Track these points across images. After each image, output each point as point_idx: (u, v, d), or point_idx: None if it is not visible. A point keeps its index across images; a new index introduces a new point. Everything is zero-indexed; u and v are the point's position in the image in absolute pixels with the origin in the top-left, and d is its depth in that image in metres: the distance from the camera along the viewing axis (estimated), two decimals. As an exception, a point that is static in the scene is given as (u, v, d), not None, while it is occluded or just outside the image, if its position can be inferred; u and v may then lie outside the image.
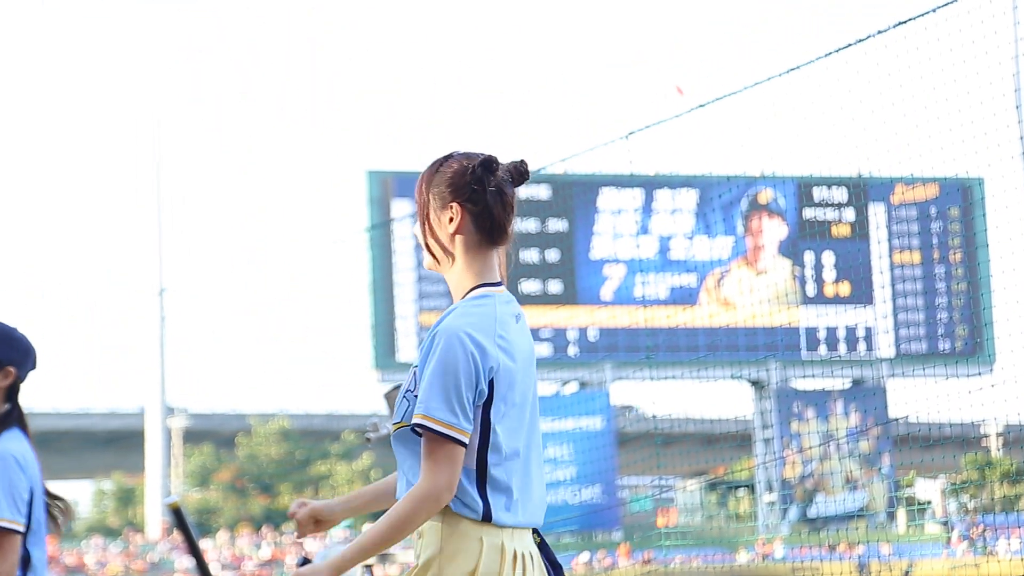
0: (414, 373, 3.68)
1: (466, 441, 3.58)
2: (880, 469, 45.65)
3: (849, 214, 46.46)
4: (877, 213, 45.51)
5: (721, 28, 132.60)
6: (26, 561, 4.83)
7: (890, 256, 46.01)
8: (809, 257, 46.39)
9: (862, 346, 46.45)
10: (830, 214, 46.41)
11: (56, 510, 4.96)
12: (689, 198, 45.48)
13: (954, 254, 45.42)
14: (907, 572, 30.71)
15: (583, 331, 44.70)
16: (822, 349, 45.92)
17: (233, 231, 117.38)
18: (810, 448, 46.14)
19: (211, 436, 66.66)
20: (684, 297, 44.88)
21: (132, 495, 70.35)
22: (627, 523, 46.17)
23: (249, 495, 65.43)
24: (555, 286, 44.49)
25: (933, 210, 45.29)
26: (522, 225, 44.08)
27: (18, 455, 4.78)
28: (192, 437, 65.88)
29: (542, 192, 44.29)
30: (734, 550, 40.99)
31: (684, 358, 38.09)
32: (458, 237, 3.78)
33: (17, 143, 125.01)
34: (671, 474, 46.11)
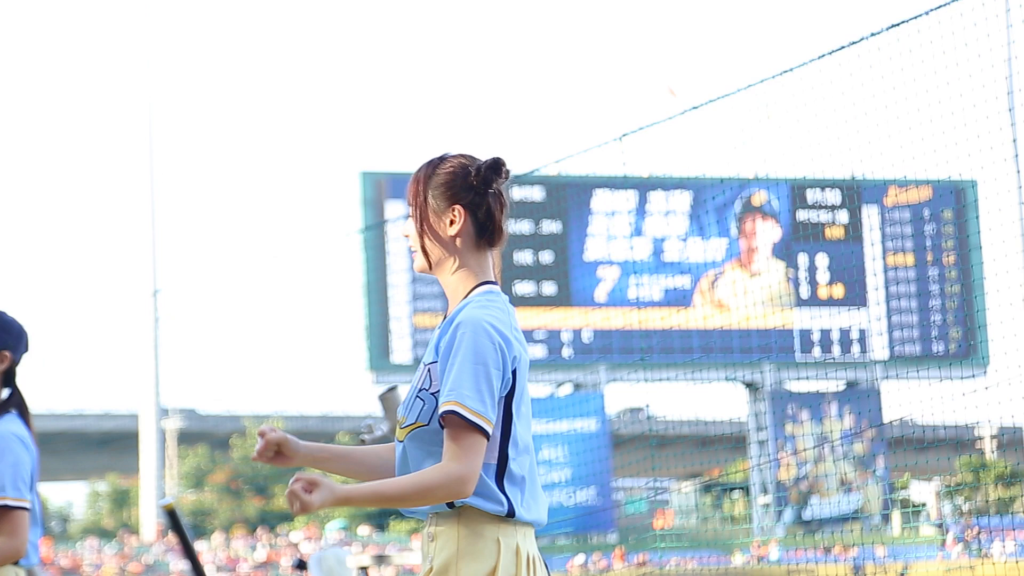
0: (428, 370, 3.63)
1: (490, 433, 3.54)
2: (875, 471, 45.68)
3: (843, 216, 46.50)
4: (871, 215, 45.54)
5: (714, 30, 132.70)
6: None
7: (884, 258, 46.07)
8: (803, 259, 46.42)
9: (856, 348, 46.48)
10: (824, 216, 46.45)
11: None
12: (683, 200, 45.52)
13: (947, 256, 45.47)
14: (902, 574, 30.72)
15: (577, 333, 44.71)
16: (816, 351, 45.95)
17: (227, 232, 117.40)
18: (805, 450, 46.17)
19: (206, 438, 66.66)
20: (678, 299, 44.90)
21: (127, 497, 70.32)
22: (622, 525, 46.19)
23: (244, 497, 65.40)
24: (549, 288, 44.51)
25: (926, 212, 45.34)
26: (516, 227, 44.22)
27: (20, 436, 4.82)
28: (187, 439, 65.88)
29: (536, 194, 44.31)
30: (729, 552, 41.02)
31: (678, 360, 38.12)
32: (459, 239, 3.74)
33: (9, 143, 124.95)
34: (666, 476, 46.20)
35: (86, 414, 67.81)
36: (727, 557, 40.32)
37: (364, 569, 9.60)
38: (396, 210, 43.17)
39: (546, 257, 44.56)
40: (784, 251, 46.07)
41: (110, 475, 71.50)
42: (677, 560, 35.12)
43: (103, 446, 68.50)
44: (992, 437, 50.84)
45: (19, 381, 4.98)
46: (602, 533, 45.44)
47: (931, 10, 12.43)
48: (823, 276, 46.37)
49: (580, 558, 41.36)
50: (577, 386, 45.72)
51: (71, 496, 77.90)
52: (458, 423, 3.49)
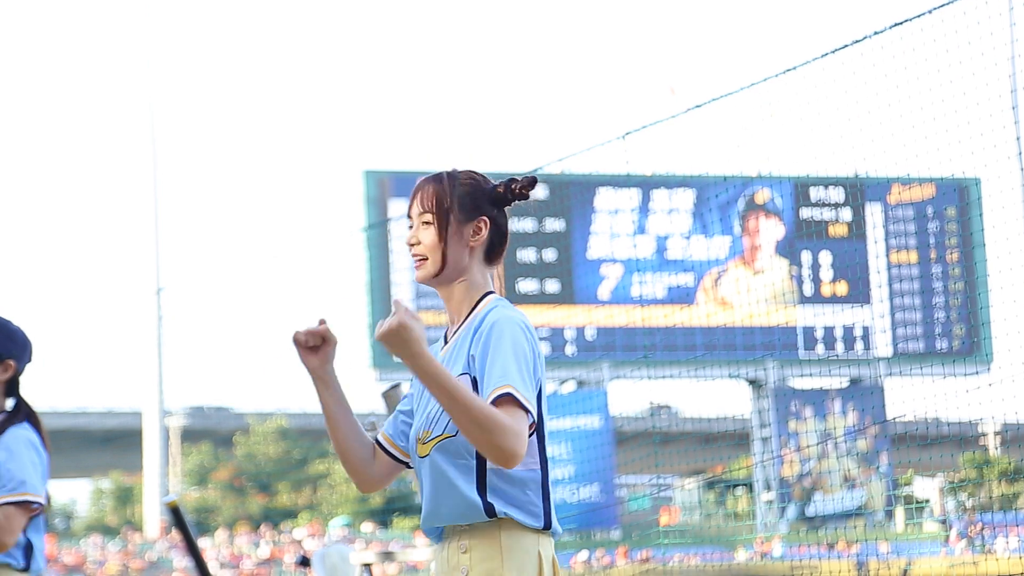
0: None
1: (534, 423, 3.53)
2: (878, 468, 45.69)
3: (846, 214, 46.51)
4: (874, 213, 45.54)
5: (717, 29, 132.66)
6: (28, 548, 4.88)
7: (887, 256, 46.06)
8: (806, 257, 46.43)
9: (859, 345, 46.49)
10: (827, 214, 46.45)
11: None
12: (686, 198, 45.52)
13: (951, 254, 45.46)
14: (905, 570, 30.74)
15: (580, 330, 44.72)
16: (819, 348, 45.96)
17: (230, 230, 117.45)
18: (808, 447, 46.17)
19: (209, 435, 66.71)
20: (681, 296, 44.91)
21: (130, 494, 70.34)
22: (625, 522, 46.21)
23: (247, 494, 65.44)
24: (552, 285, 44.53)
25: (930, 210, 45.32)
26: (519, 225, 44.22)
27: (33, 441, 4.86)
28: (190, 436, 65.93)
29: (539, 192, 44.30)
30: (732, 549, 41.04)
31: (681, 357, 38.11)
32: (473, 250, 3.76)
33: (12, 140, 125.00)
34: (669, 473, 46.22)
35: (90, 411, 67.86)
36: (730, 553, 40.34)
37: (368, 566, 9.62)
38: (399, 208, 43.16)
39: (549, 255, 44.58)
40: (787, 249, 46.08)
41: (114, 472, 71.51)
42: (680, 556, 35.14)
43: (107, 443, 68.55)
44: (996, 434, 50.86)
45: (23, 391, 5.00)
46: (605, 530, 45.47)
47: (934, 8, 12.44)
48: (826, 274, 46.37)
49: (583, 554, 41.38)
50: (580, 383, 45.74)
51: (75, 493, 77.81)
52: (514, 403, 3.45)
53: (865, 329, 46.44)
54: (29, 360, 5.02)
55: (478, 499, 3.59)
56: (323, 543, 44.30)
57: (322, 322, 3.74)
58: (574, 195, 44.69)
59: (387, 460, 3.88)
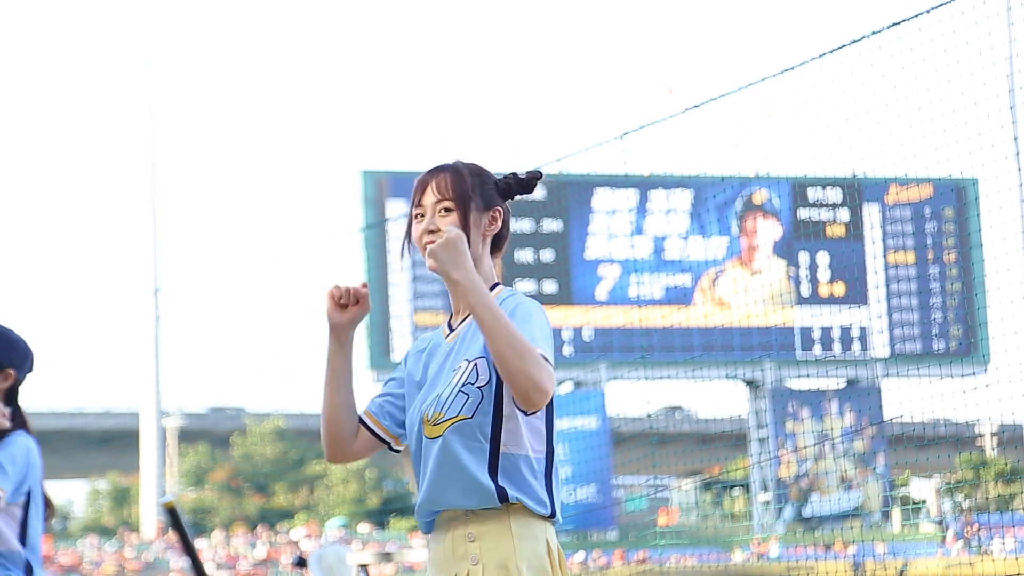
0: (475, 365, 3.63)
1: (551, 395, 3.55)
2: (875, 469, 45.68)
3: (844, 214, 46.50)
4: (871, 213, 45.54)
5: (715, 29, 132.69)
6: (29, 570, 4.87)
7: (884, 256, 46.06)
8: (804, 257, 46.41)
9: (857, 346, 46.48)
10: (824, 214, 46.44)
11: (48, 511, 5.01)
12: (684, 198, 45.51)
13: (948, 254, 45.46)
14: (902, 571, 30.72)
15: (578, 331, 44.71)
16: (817, 349, 45.95)
17: (228, 231, 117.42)
18: (805, 448, 46.17)
19: (206, 436, 66.67)
20: (679, 297, 44.90)
21: (127, 495, 70.33)
22: (622, 522, 46.19)
23: (244, 495, 65.42)
24: (550, 286, 44.50)
25: (927, 210, 45.33)
26: (517, 225, 44.19)
27: (30, 446, 4.85)
28: (187, 437, 65.90)
29: (537, 192, 43.94)
30: (729, 549, 41.03)
31: (679, 358, 38.11)
32: (488, 240, 3.78)
33: (9, 140, 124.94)
34: (666, 474, 46.19)
35: (86, 412, 67.82)
36: (727, 554, 40.33)
37: (364, 567, 9.61)
38: (397, 209, 43.14)
39: (547, 255, 44.56)
40: (785, 249, 46.08)
41: (110, 473, 71.51)
42: (677, 557, 35.13)
43: (103, 444, 68.49)
44: (992, 434, 50.85)
45: (21, 400, 5.00)
46: (602, 530, 45.46)
47: (932, 8, 12.44)
48: (824, 274, 46.37)
49: (580, 555, 41.36)
50: (578, 384, 45.73)
51: (71, 494, 77.81)
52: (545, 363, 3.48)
53: (862, 330, 46.43)
54: (30, 370, 5.01)
55: (490, 483, 3.59)
56: (320, 544, 44.29)
57: (364, 285, 3.77)
58: (572, 195, 44.68)
59: (367, 437, 3.87)
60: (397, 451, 3.94)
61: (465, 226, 3.71)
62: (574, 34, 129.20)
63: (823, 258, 46.40)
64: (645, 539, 37.97)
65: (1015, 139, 13.66)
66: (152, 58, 60.36)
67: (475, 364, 3.64)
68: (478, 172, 3.79)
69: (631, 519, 46.45)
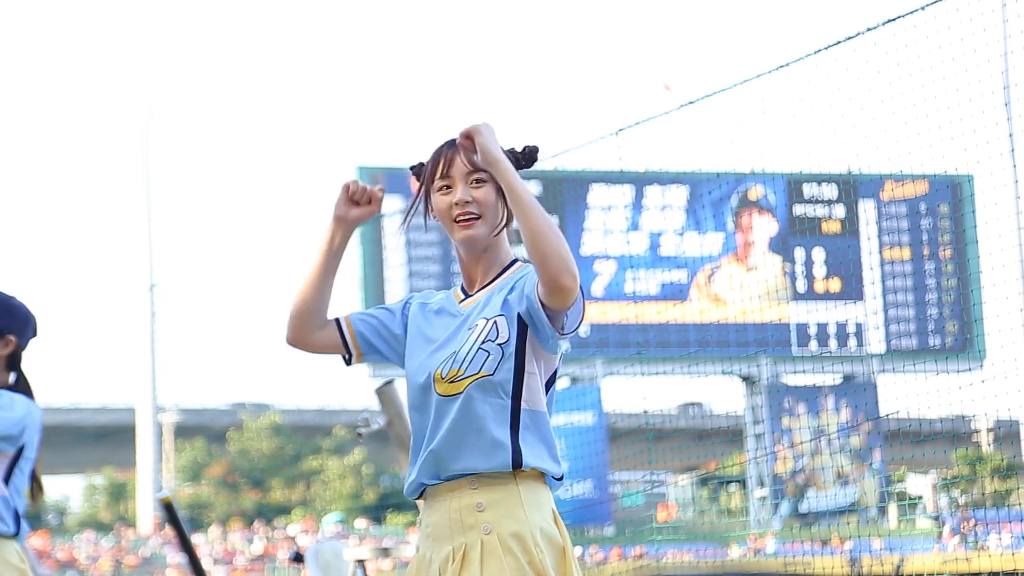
0: (495, 323, 3.62)
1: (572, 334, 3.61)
2: (871, 464, 45.73)
3: (839, 211, 46.52)
4: (867, 210, 45.58)
5: (710, 25, 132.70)
6: (17, 519, 4.86)
7: (880, 252, 46.09)
8: (799, 253, 46.45)
9: (853, 342, 46.52)
10: (820, 211, 46.47)
11: (35, 487, 5.00)
12: (679, 194, 45.53)
13: (944, 250, 45.50)
14: (898, 566, 30.74)
15: (574, 327, 44.69)
16: (813, 345, 45.99)
17: (224, 226, 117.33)
18: (801, 443, 46.21)
19: (202, 431, 66.64)
20: (675, 293, 44.92)
21: (123, 490, 70.31)
22: (619, 518, 46.22)
23: (241, 490, 65.41)
24: (546, 282, 44.47)
25: (923, 207, 45.35)
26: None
27: (30, 408, 4.84)
28: (183, 432, 65.86)
29: (532, 188, 44.21)
30: (726, 545, 41.05)
31: (675, 354, 38.11)
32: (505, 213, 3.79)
33: (3, 135, 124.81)
34: (663, 469, 46.23)
35: (83, 408, 67.77)
36: (724, 550, 40.35)
37: (361, 562, 9.61)
38: (393, 204, 43.12)
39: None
40: (780, 245, 46.10)
41: (107, 469, 71.47)
42: (673, 553, 35.16)
43: (100, 440, 68.48)
44: (988, 430, 50.93)
45: (24, 366, 4.99)
46: (599, 526, 45.48)
47: (927, 5, 12.46)
48: (820, 270, 46.40)
49: (577, 551, 41.23)
50: (574, 380, 45.75)
51: (68, 490, 77.84)
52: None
53: (858, 326, 46.47)
54: (33, 335, 4.99)
55: (509, 442, 3.57)
56: (317, 539, 44.29)
57: (382, 189, 3.81)
58: (567, 191, 44.68)
59: (334, 338, 3.83)
60: (348, 364, 3.88)
61: (500, 197, 3.72)
62: (569, 30, 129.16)
63: (819, 254, 46.43)
64: (642, 535, 38.01)
65: (1010, 135, 13.69)
66: (147, 53, 60.34)
67: (495, 321, 3.63)
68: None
69: (627, 515, 46.48)
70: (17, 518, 4.83)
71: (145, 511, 56.48)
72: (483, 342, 3.61)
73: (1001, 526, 34.84)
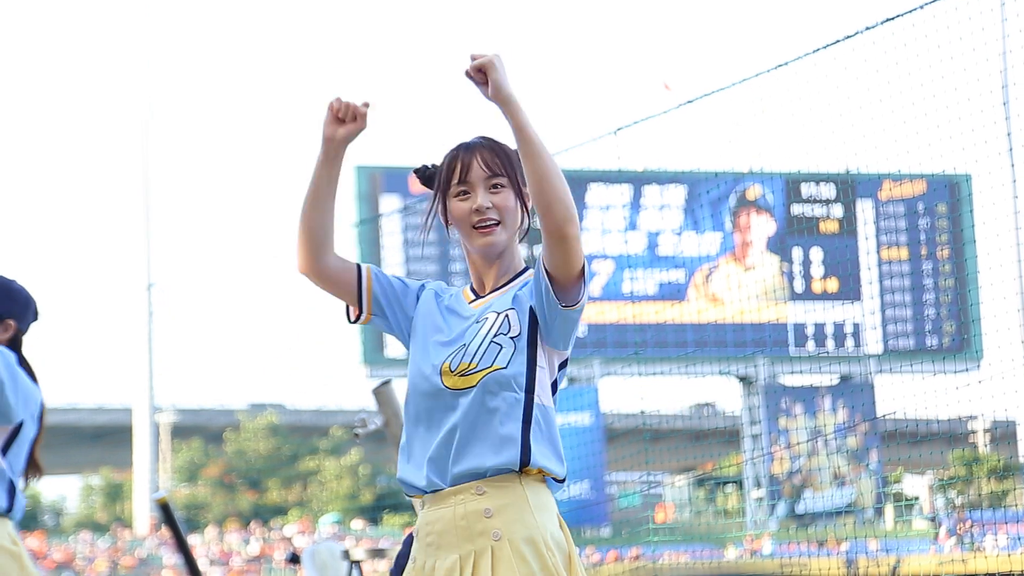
0: (507, 316, 3.57)
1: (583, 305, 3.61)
2: (868, 465, 45.72)
3: (837, 210, 46.52)
4: (865, 209, 45.57)
5: (709, 24, 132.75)
6: (11, 489, 4.83)
7: (878, 252, 46.09)
8: (797, 253, 46.45)
9: (850, 342, 46.52)
10: (818, 210, 46.46)
11: (32, 470, 4.96)
12: (677, 194, 45.51)
13: (942, 250, 45.49)
14: (895, 568, 30.74)
15: (571, 327, 44.67)
16: (810, 345, 45.99)
17: (222, 226, 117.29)
18: (798, 444, 46.20)
19: (199, 431, 66.60)
20: (672, 293, 44.90)
21: (120, 491, 70.26)
22: (615, 519, 46.19)
23: (237, 490, 65.38)
24: (543, 282, 44.46)
25: (921, 206, 45.36)
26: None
27: (31, 389, 4.81)
28: (180, 432, 65.80)
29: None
30: (722, 546, 41.04)
31: (672, 354, 38.11)
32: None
33: (1, 133, 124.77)
34: (659, 470, 46.19)
35: (79, 408, 67.71)
36: (720, 551, 40.34)
37: (358, 563, 9.59)
38: (391, 204, 43.11)
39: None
40: (778, 245, 46.10)
41: (103, 469, 71.40)
42: (670, 554, 35.13)
43: (96, 440, 68.42)
44: (985, 431, 50.89)
45: (26, 351, 4.96)
46: (595, 527, 45.45)
47: (926, 4, 12.44)
48: (817, 270, 46.40)
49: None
50: (571, 380, 45.72)
51: (64, 490, 77.74)
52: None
53: (856, 326, 46.47)
54: (34, 319, 4.96)
55: (519, 436, 3.50)
56: (313, 540, 44.26)
57: (366, 104, 3.69)
58: (565, 191, 44.62)
59: (349, 280, 3.75)
60: (351, 321, 3.80)
61: (520, 203, 3.68)
62: (567, 29, 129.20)
63: (816, 254, 46.43)
64: (638, 535, 38.00)
65: (1008, 135, 13.66)
66: (145, 54, 60.29)
67: (506, 315, 3.60)
68: (514, 150, 3.72)
69: (624, 515, 46.46)
70: (11, 493, 4.78)
71: (142, 512, 56.43)
72: (495, 335, 3.56)
73: (997, 527, 34.81)
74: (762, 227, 46.19)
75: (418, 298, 3.77)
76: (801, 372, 46.31)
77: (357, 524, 53.43)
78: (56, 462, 65.08)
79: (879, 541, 36.44)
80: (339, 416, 61.95)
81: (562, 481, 3.62)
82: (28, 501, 4.95)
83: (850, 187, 43.15)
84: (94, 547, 49.00)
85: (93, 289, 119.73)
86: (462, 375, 3.53)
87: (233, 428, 65.30)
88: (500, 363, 3.52)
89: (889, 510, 45.46)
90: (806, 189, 46.21)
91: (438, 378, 3.56)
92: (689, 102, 14.19)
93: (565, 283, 3.55)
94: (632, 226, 45.25)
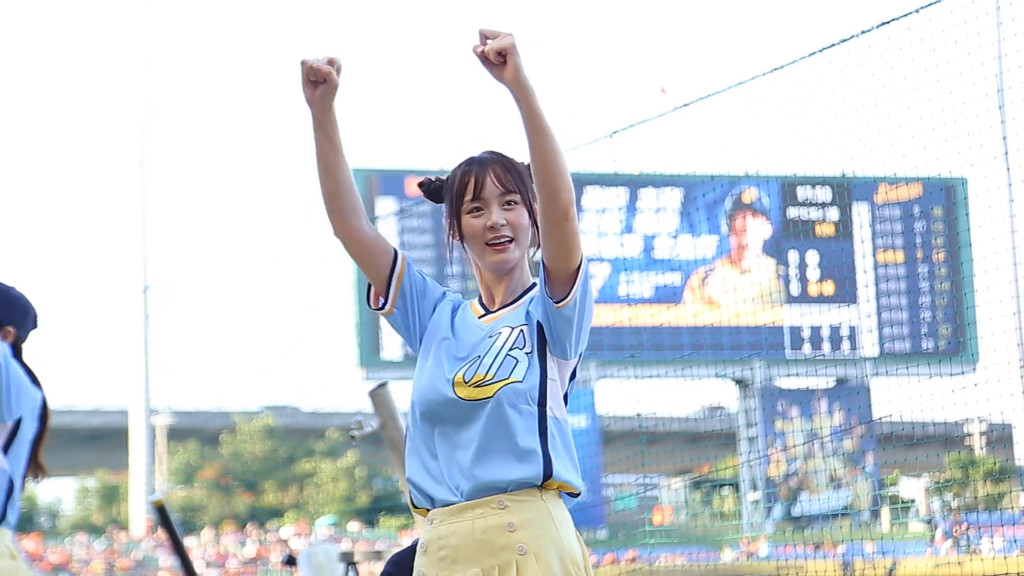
0: (521, 331, 3.54)
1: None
2: (864, 468, 45.73)
3: (833, 213, 46.54)
4: (861, 212, 45.58)
5: (705, 28, 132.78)
6: (10, 490, 4.82)
7: (874, 255, 46.11)
8: (793, 256, 46.46)
9: (846, 345, 46.54)
10: (814, 213, 46.48)
11: (36, 468, 4.95)
12: (673, 197, 45.52)
13: (937, 254, 45.52)
14: (891, 570, 30.74)
15: (568, 329, 44.65)
16: (806, 348, 46.00)
17: (218, 229, 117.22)
18: (794, 447, 46.21)
19: (195, 434, 66.58)
20: (668, 296, 44.92)
21: (116, 493, 70.20)
22: (612, 521, 46.18)
23: (233, 493, 65.34)
24: (539, 285, 44.47)
25: (916, 210, 45.39)
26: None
27: (34, 394, 4.80)
28: (176, 434, 65.79)
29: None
30: (719, 548, 41.04)
31: (668, 357, 38.15)
32: None
33: None
34: (656, 473, 46.19)
35: (75, 410, 67.67)
36: (716, 553, 40.34)
37: (354, 565, 9.60)
38: (387, 206, 43.11)
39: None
40: (774, 248, 46.12)
41: (100, 471, 71.35)
42: (666, 556, 35.13)
43: (92, 442, 68.36)
44: (981, 434, 50.90)
45: (26, 358, 4.95)
46: (592, 529, 45.44)
47: (921, 8, 12.45)
48: (813, 273, 46.41)
49: (570, 555, 41.27)
50: (567, 382, 45.70)
51: (60, 492, 77.63)
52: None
53: (852, 329, 46.49)
54: (33, 327, 4.95)
55: (540, 449, 3.48)
56: (309, 542, 44.24)
57: (331, 62, 3.58)
58: (561, 194, 44.63)
59: (383, 258, 3.73)
60: (374, 308, 3.77)
61: (533, 221, 3.66)
62: (564, 32, 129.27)
63: (812, 257, 46.44)
64: (635, 538, 38.00)
65: (1004, 139, 13.67)
66: (143, 55, 60.29)
67: (520, 330, 3.57)
68: (525, 166, 3.71)
69: (621, 518, 46.46)
70: (9, 495, 4.76)
71: (138, 514, 56.40)
72: (511, 348, 3.54)
73: (994, 530, 34.83)
74: (758, 230, 46.21)
75: (436, 306, 3.75)
76: (797, 375, 46.30)
77: (353, 526, 53.41)
78: (52, 464, 64.35)
79: (875, 543, 36.46)
80: (335, 418, 61.93)
81: (578, 495, 3.60)
82: (24, 503, 4.94)
83: (846, 190, 43.13)
84: (90, 549, 48.98)
85: (89, 291, 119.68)
86: (477, 386, 3.50)
87: (229, 430, 65.27)
88: (516, 376, 3.49)
89: (885, 513, 45.50)
90: (802, 192, 46.23)
91: (450, 389, 3.52)
92: (685, 105, 14.20)
93: (563, 276, 3.53)
94: (628, 229, 45.25)
